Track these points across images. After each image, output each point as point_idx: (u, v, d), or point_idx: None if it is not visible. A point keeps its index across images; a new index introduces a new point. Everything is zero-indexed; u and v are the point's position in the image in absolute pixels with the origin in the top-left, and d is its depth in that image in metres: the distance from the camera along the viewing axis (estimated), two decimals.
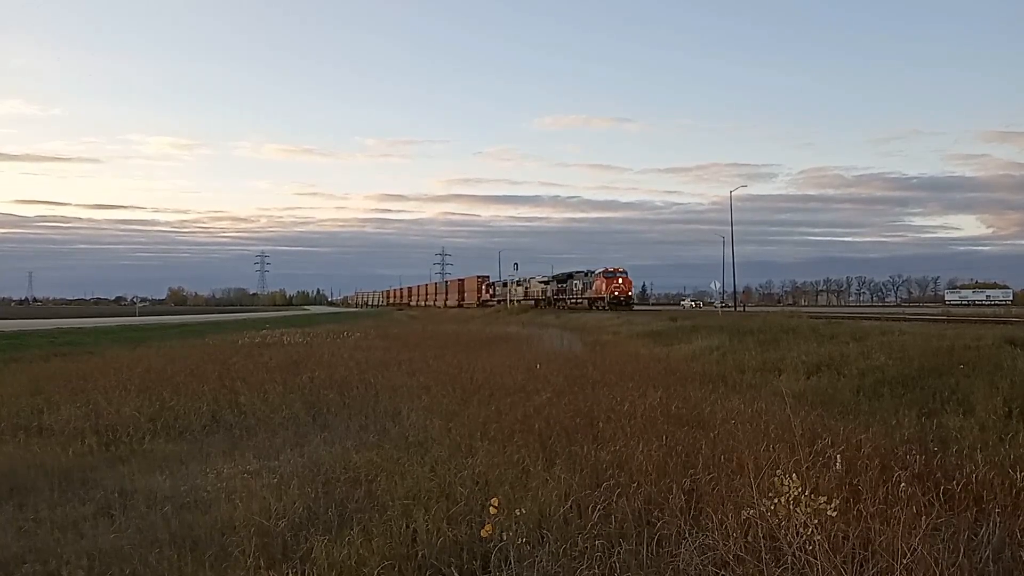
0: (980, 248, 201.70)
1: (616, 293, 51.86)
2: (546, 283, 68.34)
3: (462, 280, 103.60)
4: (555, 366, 14.89)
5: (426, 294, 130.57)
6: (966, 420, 8.66)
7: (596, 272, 55.29)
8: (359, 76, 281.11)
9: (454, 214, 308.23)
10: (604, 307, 50.23)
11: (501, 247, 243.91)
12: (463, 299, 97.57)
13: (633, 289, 55.97)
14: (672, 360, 17.17)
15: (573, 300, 59.94)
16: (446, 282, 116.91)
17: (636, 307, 55.05)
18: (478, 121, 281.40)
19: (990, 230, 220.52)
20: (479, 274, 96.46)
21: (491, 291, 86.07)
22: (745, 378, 13.62)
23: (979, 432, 7.88)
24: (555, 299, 64.12)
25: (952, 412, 9.20)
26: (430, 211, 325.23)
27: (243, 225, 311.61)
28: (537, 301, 68.46)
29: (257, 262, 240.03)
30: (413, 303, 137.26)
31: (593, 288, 54.72)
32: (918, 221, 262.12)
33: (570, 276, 62.80)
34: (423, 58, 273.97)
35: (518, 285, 76.58)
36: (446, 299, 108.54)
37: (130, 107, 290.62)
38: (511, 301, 74.68)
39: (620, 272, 54.11)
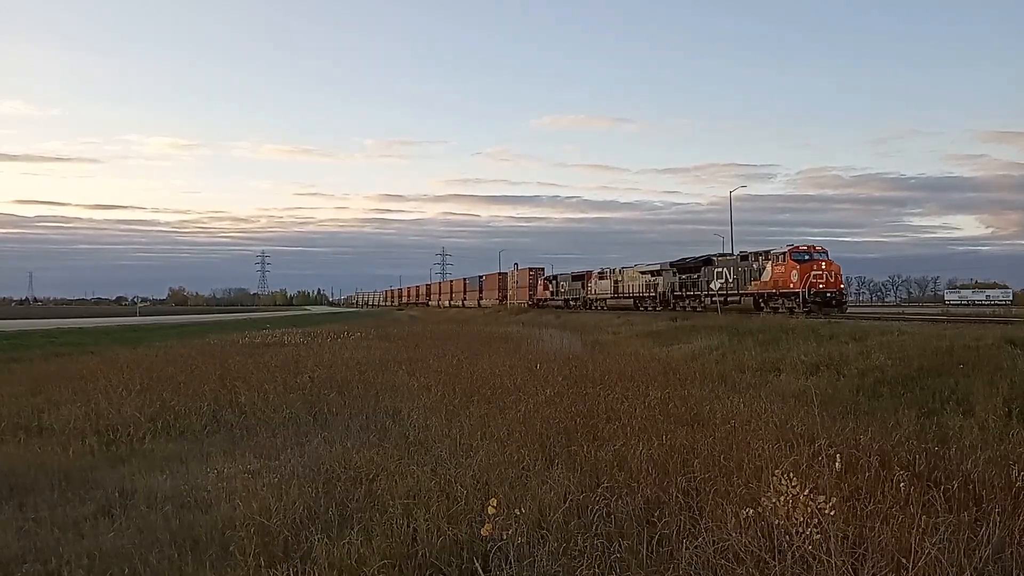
0: (980, 248, 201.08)
1: (820, 286, 30.66)
2: (655, 274, 45.84)
3: (503, 274, 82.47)
4: (555, 366, 14.88)
5: (451, 292, 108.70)
6: (966, 420, 8.67)
7: (772, 252, 33.82)
8: (358, 76, 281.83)
9: (454, 214, 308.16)
10: (796, 309, 30.11)
11: (501, 247, 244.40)
12: (505, 297, 78.33)
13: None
14: (672, 360, 17.17)
15: (715, 297, 37.57)
16: (480, 278, 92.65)
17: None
18: (477, 121, 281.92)
19: (989, 230, 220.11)
20: (531, 266, 75.14)
21: (550, 288, 65.76)
22: (745, 378, 13.62)
23: (979, 432, 7.89)
24: (677, 296, 42.25)
25: (952, 412, 9.20)
26: (430, 211, 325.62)
27: (243, 225, 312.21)
28: (638, 300, 47.30)
29: (257, 262, 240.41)
30: (432, 303, 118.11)
31: (765, 277, 33.68)
32: (917, 221, 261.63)
33: (707, 262, 40.04)
34: (422, 58, 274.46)
35: (601, 278, 54.39)
36: (479, 298, 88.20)
37: (129, 107, 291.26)
38: (589, 301, 55.12)
39: (819, 251, 32.34)
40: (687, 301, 40.90)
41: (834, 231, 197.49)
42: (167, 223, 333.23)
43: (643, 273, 47.52)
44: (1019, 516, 4.93)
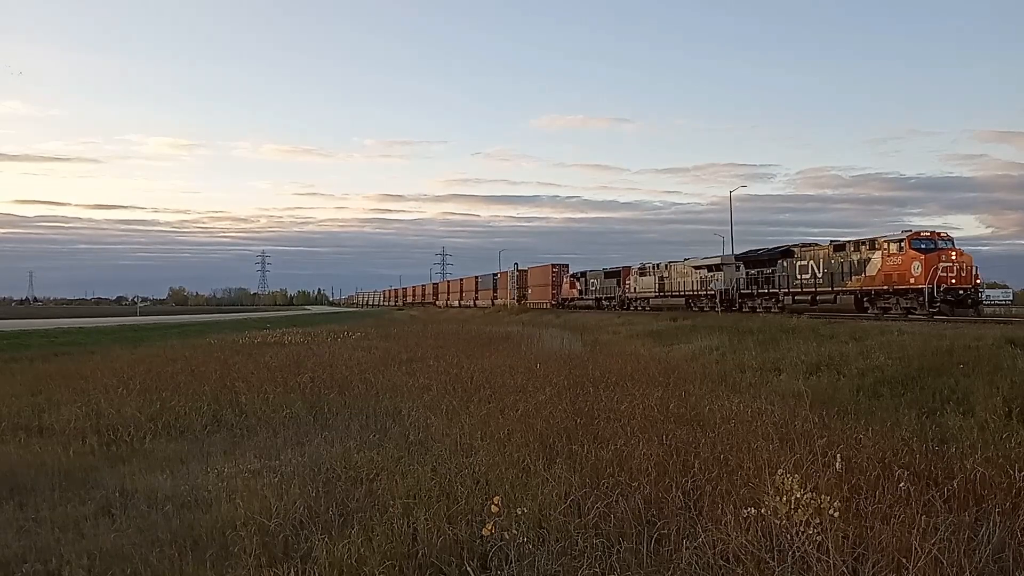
0: (980, 248, 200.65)
1: (952, 281, 24.54)
2: (713, 268, 38.69)
3: (521, 272, 75.87)
4: (555, 365, 14.88)
5: (460, 291, 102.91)
6: (966, 420, 8.66)
7: (882, 240, 27.49)
8: (358, 76, 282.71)
9: (453, 214, 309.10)
10: (917, 310, 25.00)
11: (501, 247, 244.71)
12: (524, 297, 72.97)
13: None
14: (672, 360, 17.17)
15: (800, 297, 31.45)
16: (493, 276, 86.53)
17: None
18: (476, 121, 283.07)
19: (989, 230, 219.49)
20: (554, 262, 69.09)
21: (578, 286, 59.49)
22: (745, 378, 13.61)
23: (979, 432, 7.88)
24: (745, 294, 35.68)
25: (952, 412, 9.19)
26: (430, 211, 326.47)
27: (243, 225, 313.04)
28: (691, 299, 40.38)
29: (257, 262, 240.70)
30: (439, 304, 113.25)
31: (871, 271, 27.46)
32: (917, 221, 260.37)
33: (785, 253, 33.24)
34: (422, 58, 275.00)
35: (642, 274, 47.14)
36: (493, 298, 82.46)
37: (130, 107, 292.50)
38: (627, 300, 48.53)
39: (944, 239, 26.34)
40: (759, 300, 34.32)
41: (834, 231, 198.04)
42: (167, 223, 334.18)
43: (697, 268, 40.52)
44: (1019, 516, 4.94)
